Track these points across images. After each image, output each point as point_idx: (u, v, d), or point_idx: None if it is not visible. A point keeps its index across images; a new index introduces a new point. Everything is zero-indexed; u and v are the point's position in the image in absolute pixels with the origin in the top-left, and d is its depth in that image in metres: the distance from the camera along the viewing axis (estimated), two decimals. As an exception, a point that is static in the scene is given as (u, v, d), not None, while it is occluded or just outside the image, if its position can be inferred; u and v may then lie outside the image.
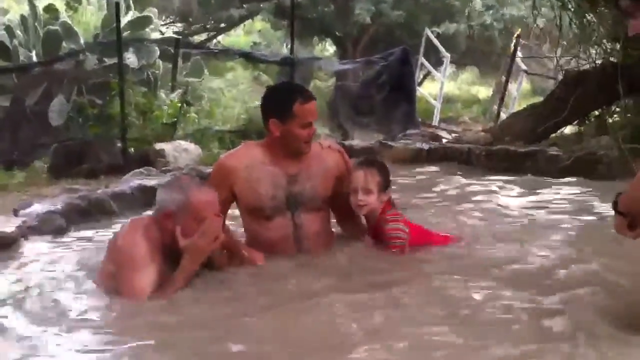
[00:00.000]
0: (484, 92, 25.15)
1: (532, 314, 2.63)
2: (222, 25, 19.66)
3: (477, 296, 2.88)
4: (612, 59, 6.79)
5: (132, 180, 5.54)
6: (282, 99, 3.41)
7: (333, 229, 3.78)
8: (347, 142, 6.85)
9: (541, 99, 8.39)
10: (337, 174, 3.59)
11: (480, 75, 25.51)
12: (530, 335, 2.44)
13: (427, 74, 16.82)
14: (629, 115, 6.41)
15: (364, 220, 3.63)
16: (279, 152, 3.47)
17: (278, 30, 21.95)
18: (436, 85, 16.05)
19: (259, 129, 9.18)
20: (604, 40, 6.96)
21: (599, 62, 7.04)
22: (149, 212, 3.55)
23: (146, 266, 2.99)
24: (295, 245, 3.50)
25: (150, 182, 5.34)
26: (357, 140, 7.03)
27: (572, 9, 7.02)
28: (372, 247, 3.53)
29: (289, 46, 18.63)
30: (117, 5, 7.99)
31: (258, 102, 9.88)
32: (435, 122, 12.63)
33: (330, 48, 24.88)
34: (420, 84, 14.37)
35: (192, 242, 3.02)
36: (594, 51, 7.30)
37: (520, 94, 15.01)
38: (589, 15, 6.75)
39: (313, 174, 3.51)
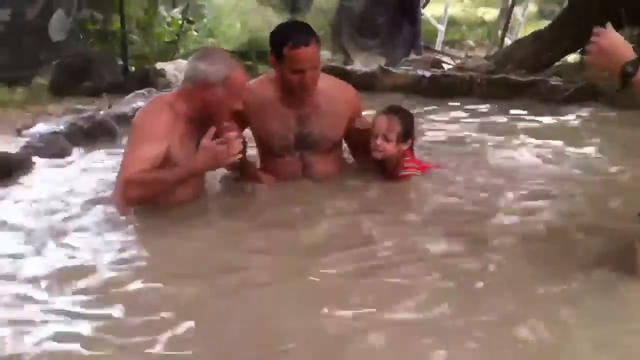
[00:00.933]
0: (490, 14, 24.65)
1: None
2: None
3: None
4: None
5: (135, 102, 5.58)
6: (277, 39, 3.34)
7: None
8: (348, 67, 6.80)
9: (548, 22, 8.27)
10: (349, 114, 3.60)
11: (487, -6, 24.90)
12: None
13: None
14: (632, 45, 6.31)
15: None
16: (289, 91, 3.43)
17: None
18: (441, 7, 15.72)
19: (260, 49, 9.13)
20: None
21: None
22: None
23: (155, 141, 3.01)
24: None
25: (152, 103, 5.36)
26: (359, 65, 6.98)
27: None
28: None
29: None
30: None
31: (260, 22, 9.88)
32: (438, 46, 12.45)
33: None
34: (424, 5, 14.08)
35: (212, 145, 3.01)
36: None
37: (526, 17, 14.71)
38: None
39: (322, 115, 3.51)
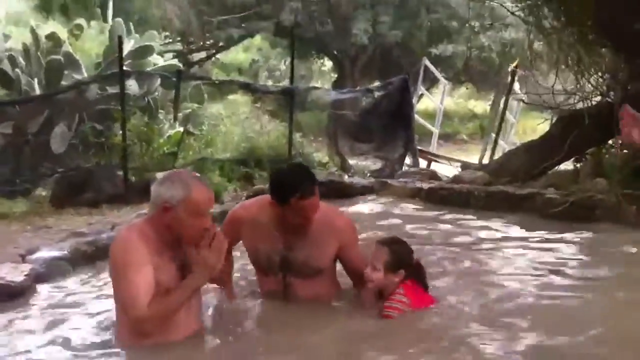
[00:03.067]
0: (480, 106, 25.27)
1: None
2: (221, 44, 19.71)
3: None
4: (607, 99, 6.90)
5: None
6: (283, 188, 3.41)
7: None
8: (347, 179, 6.93)
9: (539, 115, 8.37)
10: (338, 244, 3.61)
11: (477, 90, 25.62)
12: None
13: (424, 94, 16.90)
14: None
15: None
16: (285, 223, 3.51)
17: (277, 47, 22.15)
18: (432, 102, 16.09)
19: (258, 157, 9.33)
20: (599, 79, 7.05)
21: (595, 99, 7.12)
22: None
23: (140, 270, 3.00)
24: (284, 302, 3.64)
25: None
26: (358, 179, 7.12)
27: (566, 45, 7.08)
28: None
29: (287, 63, 18.90)
30: (120, 39, 8.07)
31: (257, 129, 10.11)
32: (433, 148, 12.71)
33: (328, 63, 25.02)
34: (419, 99, 14.48)
35: (202, 257, 3.05)
36: (589, 86, 7.35)
37: (519, 114, 14.89)
38: (585, 57, 6.82)
39: (310, 244, 3.55)
